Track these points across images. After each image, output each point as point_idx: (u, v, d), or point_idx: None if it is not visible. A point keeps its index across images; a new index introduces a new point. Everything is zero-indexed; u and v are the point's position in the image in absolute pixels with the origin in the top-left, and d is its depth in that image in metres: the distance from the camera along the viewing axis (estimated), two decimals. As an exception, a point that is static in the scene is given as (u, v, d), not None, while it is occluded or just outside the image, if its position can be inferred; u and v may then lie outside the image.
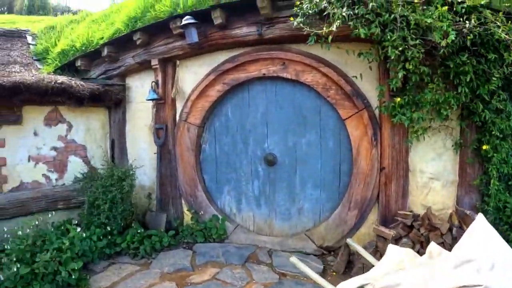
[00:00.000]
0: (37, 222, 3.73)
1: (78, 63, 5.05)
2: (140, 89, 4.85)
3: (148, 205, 4.72)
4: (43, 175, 4.49)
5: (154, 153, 4.62)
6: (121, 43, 4.62)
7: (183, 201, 4.53)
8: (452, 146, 3.31)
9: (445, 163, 3.35)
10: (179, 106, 4.51)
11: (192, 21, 3.77)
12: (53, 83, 4.18)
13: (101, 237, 3.96)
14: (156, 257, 3.93)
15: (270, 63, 3.92)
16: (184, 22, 3.78)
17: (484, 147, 3.07)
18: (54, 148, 4.59)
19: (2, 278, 3.09)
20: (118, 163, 4.87)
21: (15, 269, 3.10)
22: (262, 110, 4.14)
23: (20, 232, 3.55)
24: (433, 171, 3.37)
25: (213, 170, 4.46)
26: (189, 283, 3.38)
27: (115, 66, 4.87)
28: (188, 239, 4.22)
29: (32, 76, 4.33)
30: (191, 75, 4.40)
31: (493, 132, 3.03)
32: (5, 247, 3.40)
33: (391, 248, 2.45)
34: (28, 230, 3.59)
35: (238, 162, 4.32)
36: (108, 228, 4.03)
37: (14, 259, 3.21)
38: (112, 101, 4.80)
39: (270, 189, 4.15)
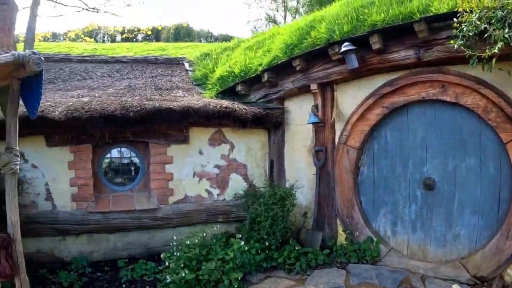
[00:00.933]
0: (204, 234, 5.78)
1: (238, 88, 7.26)
2: (299, 112, 6.75)
3: (303, 223, 6.55)
4: (206, 190, 6.75)
5: (313, 174, 6.44)
6: (280, 68, 6.61)
7: (338, 222, 6.21)
8: None
9: None
10: (338, 129, 6.24)
11: (352, 47, 5.41)
12: (218, 107, 6.35)
13: (259, 251, 5.85)
14: (311, 274, 5.59)
15: (429, 86, 5.31)
16: (343, 48, 5.45)
17: None
18: (217, 166, 6.81)
19: (168, 280, 4.92)
20: (276, 183, 6.80)
21: (183, 274, 4.87)
22: (422, 134, 5.54)
23: (188, 242, 5.57)
24: None
25: (371, 193, 6.03)
26: None
27: (275, 91, 6.89)
28: (341, 258, 5.84)
29: (198, 100, 6.61)
30: (349, 99, 6.06)
31: None
32: (174, 253, 5.34)
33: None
34: (196, 240, 5.59)
35: (396, 185, 5.80)
36: (267, 243, 5.94)
37: (182, 265, 5.08)
38: (272, 123, 6.81)
39: (427, 214, 5.50)
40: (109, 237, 6.13)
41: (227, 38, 19.36)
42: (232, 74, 7.51)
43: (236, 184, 6.90)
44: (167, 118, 5.98)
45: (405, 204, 5.72)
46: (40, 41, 15.81)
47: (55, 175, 5.96)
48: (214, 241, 5.96)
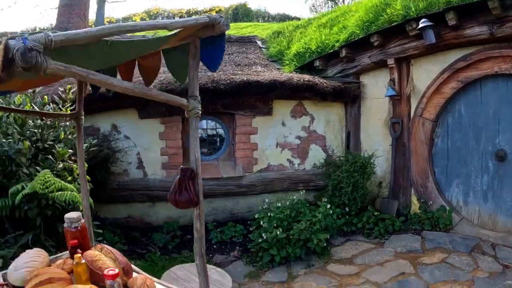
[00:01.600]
0: (294, 197, 6.97)
1: (316, 63, 8.36)
2: (374, 86, 7.76)
3: (377, 193, 7.64)
4: (287, 159, 7.93)
5: (389, 145, 7.50)
6: (357, 44, 7.62)
7: (412, 191, 7.26)
8: None
9: None
10: (413, 102, 7.22)
11: (429, 23, 6.30)
12: (301, 80, 7.45)
13: (340, 216, 7.01)
14: (388, 238, 6.71)
15: (501, 61, 6.14)
16: (421, 24, 6.35)
17: None
18: (298, 137, 7.96)
19: (260, 240, 6.06)
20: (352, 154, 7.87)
21: (277, 233, 6.04)
22: (494, 107, 6.42)
23: (279, 204, 6.79)
24: None
25: (444, 164, 7.02)
26: (421, 263, 5.84)
27: (351, 66, 7.92)
28: (415, 226, 6.90)
29: (281, 74, 7.70)
30: (424, 73, 6.98)
31: None
32: (268, 214, 6.53)
33: None
34: (287, 203, 6.83)
35: (469, 157, 6.74)
36: (347, 209, 7.12)
37: (274, 225, 6.27)
38: (349, 97, 7.87)
39: (498, 185, 6.42)
40: (196, 203, 7.47)
41: (284, 18, 20.90)
42: (308, 50, 8.63)
43: (315, 154, 8.06)
44: (254, 91, 7.10)
45: (477, 175, 6.65)
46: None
47: (146, 145, 7.13)
48: (300, 205, 7.06)
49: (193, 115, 2.40)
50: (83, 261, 2.78)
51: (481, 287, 5.01)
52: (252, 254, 6.16)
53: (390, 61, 7.20)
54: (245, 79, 7.11)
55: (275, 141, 7.82)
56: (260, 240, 6.04)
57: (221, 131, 7.82)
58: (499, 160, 6.37)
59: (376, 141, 7.84)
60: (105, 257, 2.89)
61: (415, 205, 7.24)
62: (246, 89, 7.04)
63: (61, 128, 5.15)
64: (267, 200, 7.02)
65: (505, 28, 5.82)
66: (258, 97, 7.31)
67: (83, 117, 3.58)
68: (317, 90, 7.51)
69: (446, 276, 5.27)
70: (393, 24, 6.85)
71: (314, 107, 7.98)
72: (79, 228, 3.21)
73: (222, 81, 6.91)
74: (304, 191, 7.55)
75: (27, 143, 4.50)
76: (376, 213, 7.05)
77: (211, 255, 6.24)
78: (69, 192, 4.36)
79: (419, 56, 7.01)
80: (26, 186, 4.16)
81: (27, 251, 3.07)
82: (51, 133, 5.03)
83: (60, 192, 4.34)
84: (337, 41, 7.96)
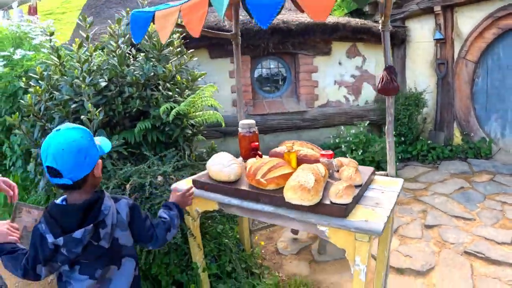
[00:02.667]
0: (352, 131, 9.29)
1: (366, 8, 10.54)
2: (420, 31, 10.10)
3: (421, 127, 10.09)
4: (344, 96, 10.18)
5: (435, 84, 9.87)
6: (406, -9, 9.81)
7: (455, 125, 9.73)
8: None
9: None
10: (456, 45, 9.55)
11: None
12: (359, 24, 9.60)
13: (397, 145, 9.36)
14: (440, 163, 9.19)
15: (537, 13, 8.49)
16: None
17: None
18: (353, 76, 10.19)
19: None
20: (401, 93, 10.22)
21: (357, 154, 8.42)
22: (530, 51, 8.80)
23: (353, 130, 9.14)
24: None
25: (484, 101, 9.49)
26: (473, 181, 7.92)
27: (399, 11, 10.17)
28: (460, 154, 9.41)
29: (340, 19, 9.82)
30: (468, 20, 9.30)
31: None
32: (347, 138, 8.86)
33: None
34: (361, 129, 9.15)
35: (507, 95, 9.18)
36: (403, 138, 9.52)
37: (352, 148, 8.67)
38: (398, 40, 10.08)
39: (532, 119, 8.89)
40: (264, 137, 9.45)
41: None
42: (355, -5, 10.82)
43: (367, 92, 10.31)
44: (321, 32, 9.07)
45: (514, 110, 9.14)
46: None
47: (217, 84, 8.07)
48: (369, 133, 9.35)
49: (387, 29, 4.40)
50: (294, 149, 3.64)
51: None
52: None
53: (437, 8, 9.37)
54: (312, 20, 8.65)
55: (333, 79, 9.82)
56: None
57: (283, 70, 9.82)
58: (533, 98, 8.85)
59: (421, 81, 10.19)
60: (304, 148, 3.92)
61: (457, 137, 9.72)
62: (314, 30, 8.82)
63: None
64: (326, 133, 9.31)
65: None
66: (321, 38, 9.15)
67: (240, 37, 5.01)
68: (372, 33, 9.60)
69: (497, 190, 7.54)
70: (441, -26, 9.08)
71: (366, 48, 10.11)
72: (256, 132, 4.28)
73: (292, 22, 8.63)
74: (361, 123, 9.70)
75: (170, 66, 5.27)
76: (428, 142, 9.52)
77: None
78: (211, 112, 5.34)
79: (463, 5, 9.23)
80: (174, 106, 4.86)
81: (217, 154, 3.83)
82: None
83: (201, 112, 5.32)
84: (386, -13, 10.11)
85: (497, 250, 5.36)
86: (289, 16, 9.12)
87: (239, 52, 5.09)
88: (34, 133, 4.97)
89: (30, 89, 4.79)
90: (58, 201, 2.52)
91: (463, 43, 9.41)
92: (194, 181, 3.70)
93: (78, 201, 2.44)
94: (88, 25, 5.22)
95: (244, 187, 3.37)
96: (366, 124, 9.53)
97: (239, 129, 4.27)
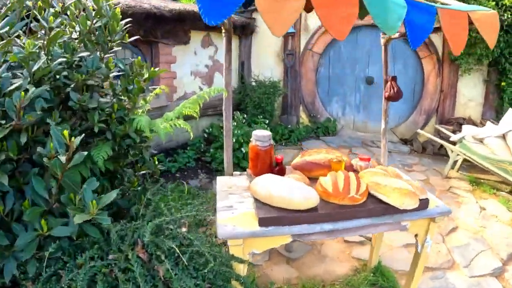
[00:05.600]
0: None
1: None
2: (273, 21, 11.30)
3: (278, 113, 11.45)
4: (199, 87, 10.80)
5: (282, 72, 11.25)
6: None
7: (301, 108, 11.37)
8: (482, 81, 9.99)
9: (477, 91, 10.06)
10: (303, 38, 11.08)
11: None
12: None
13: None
14: (302, 144, 10.56)
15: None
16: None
17: (503, 83, 9.66)
18: (206, 66, 10.94)
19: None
20: (246, 79, 11.42)
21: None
22: (367, 47, 10.76)
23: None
24: (471, 96, 10.10)
25: (326, 86, 11.27)
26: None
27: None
28: (311, 134, 11.05)
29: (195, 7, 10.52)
30: (315, 15, 10.72)
31: (508, 75, 9.60)
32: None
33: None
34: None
35: (346, 81, 11.08)
36: (265, 125, 10.75)
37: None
38: (248, 30, 11.20)
39: (367, 100, 11.00)
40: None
41: None
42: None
43: (218, 81, 10.57)
44: (191, 19, 8.85)
45: (351, 94, 11.14)
46: None
47: None
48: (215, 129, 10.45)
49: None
50: (342, 159, 3.73)
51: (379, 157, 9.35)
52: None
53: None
54: (182, 8, 8.56)
55: (190, 70, 9.77)
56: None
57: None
58: (368, 84, 10.91)
59: (268, 69, 11.44)
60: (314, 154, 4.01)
61: (303, 119, 11.42)
62: (184, 17, 8.62)
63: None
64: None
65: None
66: (187, 26, 9.03)
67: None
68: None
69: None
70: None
71: (218, 38, 10.72)
72: (273, 144, 3.68)
73: (163, 9, 8.08)
74: (206, 117, 10.16)
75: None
76: (286, 127, 10.90)
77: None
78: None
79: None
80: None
81: (261, 177, 3.32)
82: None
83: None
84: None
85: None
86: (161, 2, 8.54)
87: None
88: None
89: None
90: None
91: (310, 36, 10.96)
92: (261, 220, 2.93)
93: None
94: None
95: (325, 208, 3.07)
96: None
97: (256, 142, 3.63)
